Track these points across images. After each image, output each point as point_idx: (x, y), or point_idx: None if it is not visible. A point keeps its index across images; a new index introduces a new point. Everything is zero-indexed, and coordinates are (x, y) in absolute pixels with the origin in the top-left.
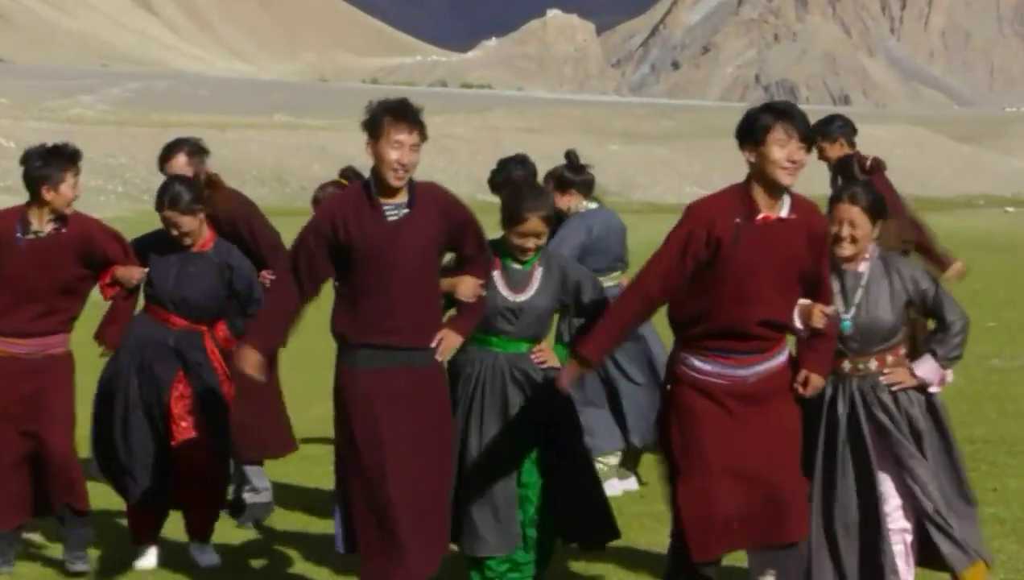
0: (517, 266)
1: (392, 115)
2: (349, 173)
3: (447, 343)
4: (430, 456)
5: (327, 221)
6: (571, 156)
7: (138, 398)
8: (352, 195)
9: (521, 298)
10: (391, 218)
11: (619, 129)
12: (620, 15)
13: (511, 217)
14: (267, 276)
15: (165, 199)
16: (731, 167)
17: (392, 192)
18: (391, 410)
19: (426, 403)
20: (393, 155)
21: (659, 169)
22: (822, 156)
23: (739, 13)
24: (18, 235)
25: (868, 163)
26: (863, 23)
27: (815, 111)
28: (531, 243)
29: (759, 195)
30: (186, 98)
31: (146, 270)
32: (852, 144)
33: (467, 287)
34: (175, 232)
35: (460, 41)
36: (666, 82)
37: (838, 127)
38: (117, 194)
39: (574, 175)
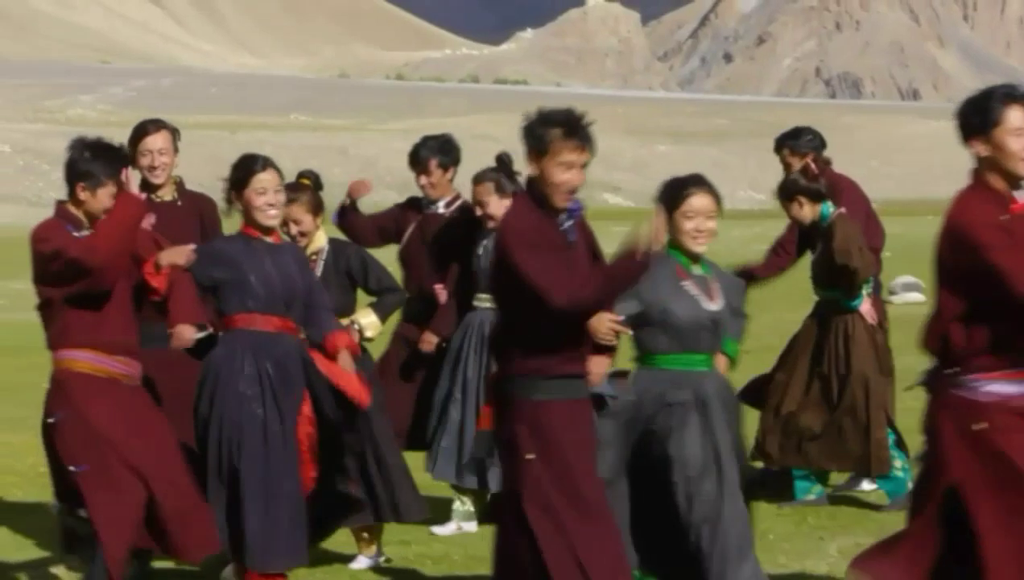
0: (699, 271)
1: (562, 131)
2: (309, 174)
3: (598, 371)
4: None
5: (534, 231)
6: (504, 159)
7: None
8: (529, 210)
9: (715, 307)
10: (568, 236)
11: (666, 128)
12: (667, 4)
13: (673, 199)
14: None
15: (259, 162)
16: None
17: (558, 211)
18: (583, 448)
19: (590, 439)
20: (563, 176)
21: (710, 171)
22: (788, 170)
23: (797, 0)
24: (75, 235)
25: (813, 167)
26: (933, 10)
27: (881, 107)
28: (705, 225)
29: (1001, 189)
30: (194, 97)
31: (193, 247)
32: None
33: (603, 324)
34: (276, 203)
35: (493, 33)
36: (718, 76)
37: (807, 141)
38: None
39: (511, 182)
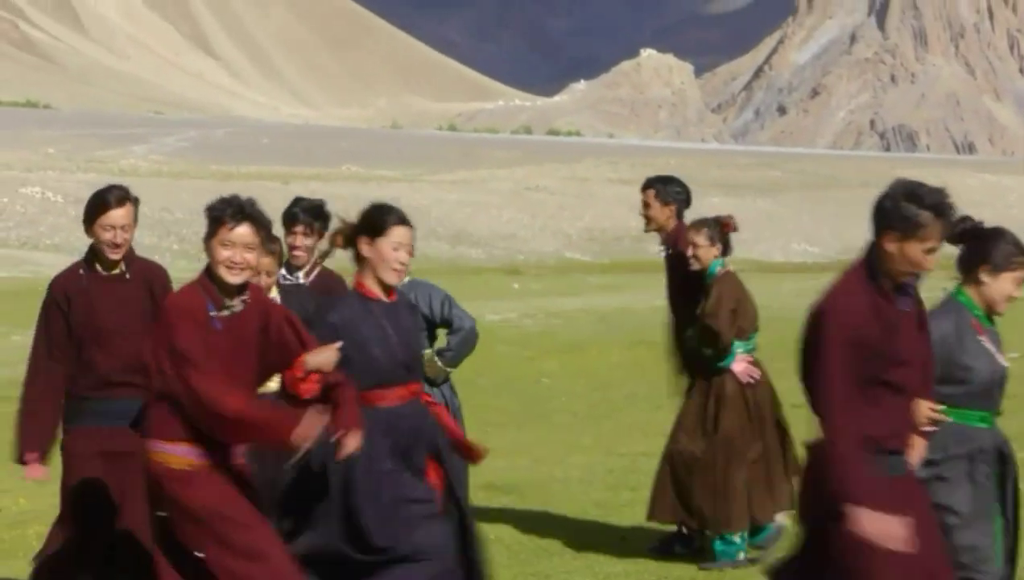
0: (990, 325)
1: (934, 214)
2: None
3: (919, 449)
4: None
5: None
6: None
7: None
8: (863, 285)
9: (1005, 362)
10: (903, 309)
11: (719, 180)
12: (721, 55)
13: (1008, 262)
14: None
15: (395, 215)
16: (842, 222)
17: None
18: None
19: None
20: (925, 260)
21: (764, 224)
22: (647, 212)
23: (852, 52)
24: (212, 313)
25: (733, 225)
26: (989, 63)
27: (936, 160)
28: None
29: None
30: (246, 147)
31: (339, 345)
32: (681, 216)
33: (922, 411)
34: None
35: (546, 84)
36: (771, 128)
37: (675, 193)
38: (172, 252)
39: None
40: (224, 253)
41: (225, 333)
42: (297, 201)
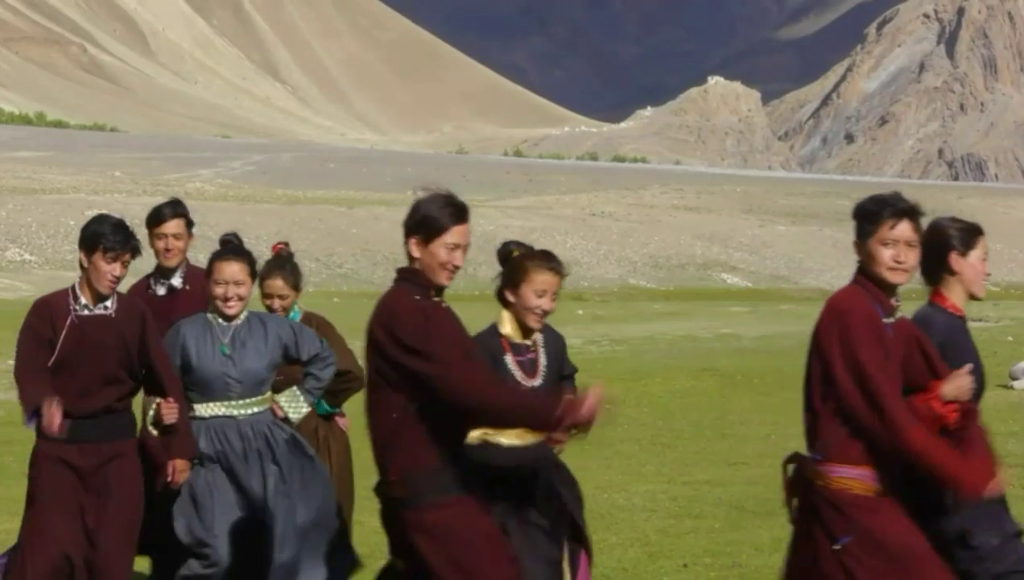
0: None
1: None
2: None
3: None
4: None
5: None
6: (232, 239)
7: None
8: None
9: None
10: None
11: (786, 208)
12: (789, 83)
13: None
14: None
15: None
16: None
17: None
18: None
19: None
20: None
21: (831, 253)
22: (179, 245)
23: (921, 81)
24: (884, 321)
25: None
26: None
27: (1005, 189)
28: None
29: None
30: (313, 172)
31: (970, 368)
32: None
33: None
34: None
35: (612, 110)
36: (839, 156)
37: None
38: None
39: None
40: (887, 253)
41: (895, 342)
42: (101, 220)
